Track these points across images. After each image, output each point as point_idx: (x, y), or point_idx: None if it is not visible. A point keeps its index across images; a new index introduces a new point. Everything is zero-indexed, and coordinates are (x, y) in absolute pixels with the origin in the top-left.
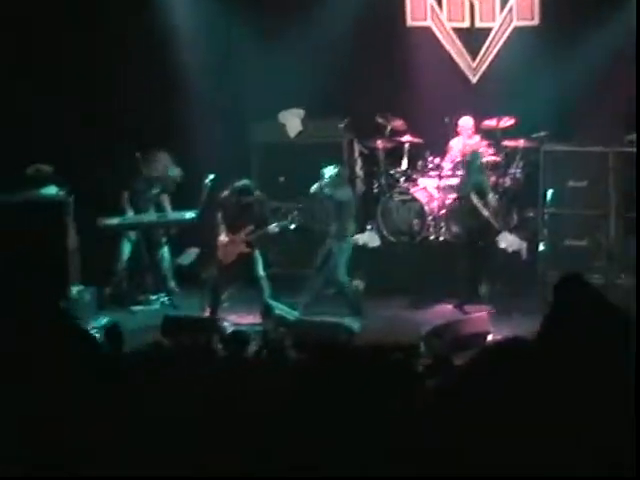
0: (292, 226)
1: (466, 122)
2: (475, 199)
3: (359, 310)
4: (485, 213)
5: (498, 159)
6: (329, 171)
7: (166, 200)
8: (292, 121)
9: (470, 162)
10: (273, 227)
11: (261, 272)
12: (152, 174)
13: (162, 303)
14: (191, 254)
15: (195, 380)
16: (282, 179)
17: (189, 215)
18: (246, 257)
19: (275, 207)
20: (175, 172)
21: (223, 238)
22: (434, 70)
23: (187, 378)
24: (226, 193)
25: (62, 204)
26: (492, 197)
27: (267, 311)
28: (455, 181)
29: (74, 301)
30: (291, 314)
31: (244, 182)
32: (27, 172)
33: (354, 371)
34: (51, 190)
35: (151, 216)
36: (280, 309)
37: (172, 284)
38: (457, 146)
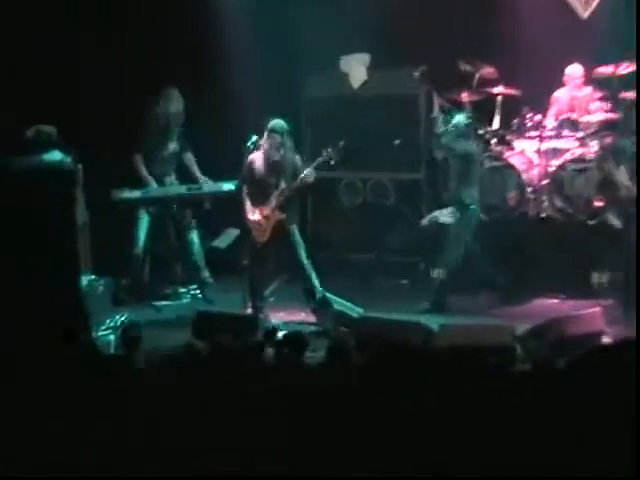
0: (332, 162)
1: (574, 70)
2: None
3: (441, 305)
4: (625, 183)
5: (615, 116)
6: (457, 117)
7: (192, 162)
8: (356, 69)
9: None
10: (307, 172)
11: (304, 256)
12: (168, 110)
13: (193, 296)
14: (230, 235)
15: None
16: (341, 142)
17: (227, 186)
18: (282, 228)
19: (339, 179)
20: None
21: (253, 213)
22: (534, 4)
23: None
24: (253, 154)
25: (69, 173)
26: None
27: (323, 306)
28: (560, 143)
29: (84, 294)
30: (354, 310)
31: (274, 123)
32: (27, 134)
33: (436, 380)
34: (55, 156)
35: (179, 188)
36: (340, 304)
37: (205, 273)
38: (563, 99)
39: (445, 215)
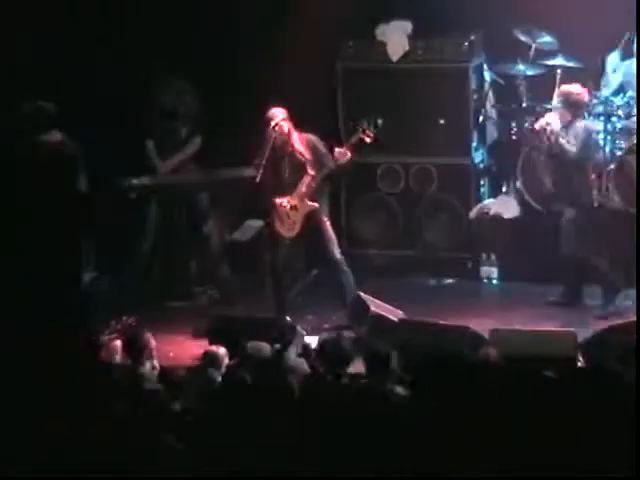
0: (368, 140)
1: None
2: None
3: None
4: None
5: None
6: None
7: (193, 146)
8: (395, 38)
9: None
10: (339, 152)
11: (337, 252)
12: (175, 95)
13: (210, 297)
14: (252, 227)
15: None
16: (380, 121)
17: (249, 172)
18: (314, 219)
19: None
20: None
21: (279, 205)
22: None
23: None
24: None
25: (70, 157)
26: None
27: (358, 309)
28: (630, 122)
29: (85, 292)
30: (393, 313)
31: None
32: (23, 110)
33: (488, 395)
34: (55, 136)
35: (195, 174)
36: (377, 305)
37: (224, 270)
38: (628, 71)
39: (499, 206)
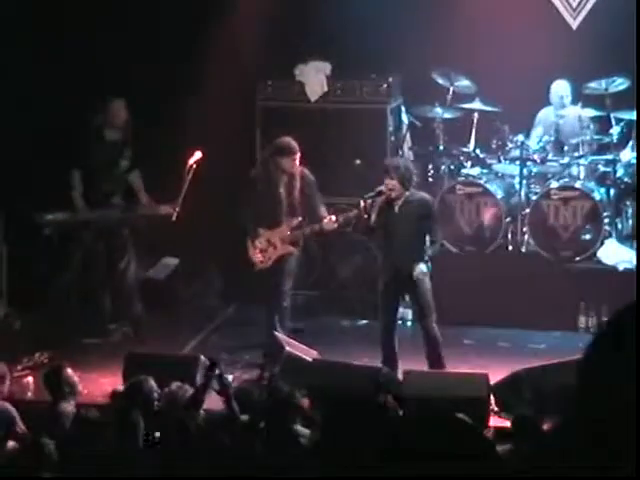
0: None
1: (561, 87)
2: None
3: None
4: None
5: (606, 139)
6: None
7: (138, 182)
8: (314, 78)
9: None
10: (329, 222)
11: (289, 286)
12: (113, 122)
13: (124, 334)
14: (168, 265)
15: None
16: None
17: (166, 210)
18: (284, 260)
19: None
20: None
21: (259, 239)
22: (517, 11)
23: None
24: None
25: None
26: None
27: (272, 348)
28: (545, 167)
29: None
30: (307, 353)
31: (284, 141)
32: None
33: (396, 440)
34: None
35: (112, 211)
36: (291, 344)
37: (138, 307)
38: (547, 118)
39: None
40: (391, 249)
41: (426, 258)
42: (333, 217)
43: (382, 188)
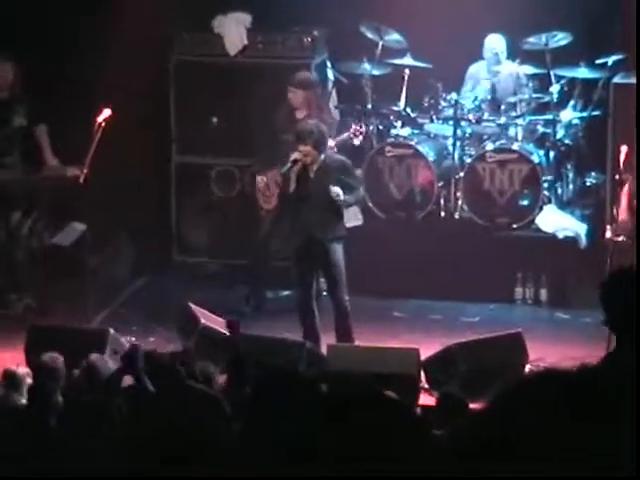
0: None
1: (495, 41)
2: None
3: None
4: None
5: (546, 97)
6: None
7: (44, 136)
8: (233, 31)
9: None
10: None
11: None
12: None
13: (26, 306)
14: (74, 230)
15: None
16: (215, 120)
17: (72, 171)
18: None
19: (211, 165)
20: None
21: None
22: None
23: None
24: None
25: None
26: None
27: (187, 321)
28: (480, 127)
29: None
30: (224, 326)
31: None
32: None
33: (322, 418)
34: None
35: (13, 171)
36: (207, 316)
37: (41, 277)
38: (481, 75)
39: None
40: (304, 215)
41: (343, 227)
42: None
43: (296, 156)
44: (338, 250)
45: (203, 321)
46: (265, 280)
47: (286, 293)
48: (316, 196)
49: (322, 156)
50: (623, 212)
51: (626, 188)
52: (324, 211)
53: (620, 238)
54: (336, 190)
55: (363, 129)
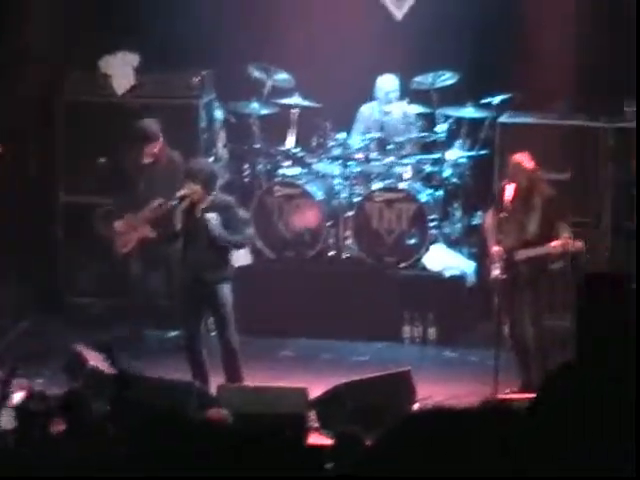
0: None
1: (387, 81)
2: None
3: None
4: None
5: (433, 137)
6: None
7: None
8: (121, 71)
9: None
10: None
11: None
12: None
13: None
14: None
15: None
16: (102, 160)
17: None
18: None
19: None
20: None
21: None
22: (339, 1)
23: None
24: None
25: None
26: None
27: (74, 362)
28: (368, 166)
29: None
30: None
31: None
32: None
33: (214, 456)
34: None
35: None
36: (94, 357)
37: None
38: (372, 115)
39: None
40: (191, 255)
41: (230, 258)
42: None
43: (184, 192)
44: (226, 290)
45: (91, 362)
46: (142, 320)
47: (174, 333)
48: (203, 236)
49: (211, 197)
50: (492, 245)
51: (488, 220)
52: (211, 251)
53: (504, 276)
54: (213, 222)
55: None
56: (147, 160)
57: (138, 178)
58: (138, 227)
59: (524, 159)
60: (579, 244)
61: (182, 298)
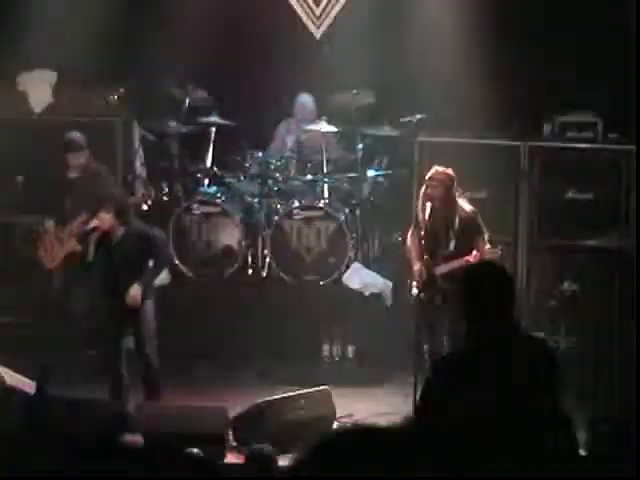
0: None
1: (305, 100)
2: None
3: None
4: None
5: (351, 156)
6: None
7: None
8: (38, 89)
9: None
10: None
11: None
12: None
13: None
14: None
15: None
16: (20, 178)
17: None
18: None
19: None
20: None
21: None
22: (256, 20)
23: None
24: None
25: None
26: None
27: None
28: (287, 185)
29: None
30: (28, 386)
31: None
32: None
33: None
34: None
35: None
36: (10, 376)
37: None
38: (290, 134)
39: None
40: (109, 282)
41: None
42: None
43: (95, 223)
44: (148, 308)
45: (8, 380)
46: (63, 339)
47: (92, 352)
48: (120, 265)
49: (124, 226)
50: (413, 263)
51: (409, 239)
52: (130, 277)
53: (422, 294)
54: (134, 290)
55: (151, 194)
56: (73, 174)
57: (64, 193)
58: (65, 242)
59: (439, 175)
60: (497, 252)
61: (102, 316)
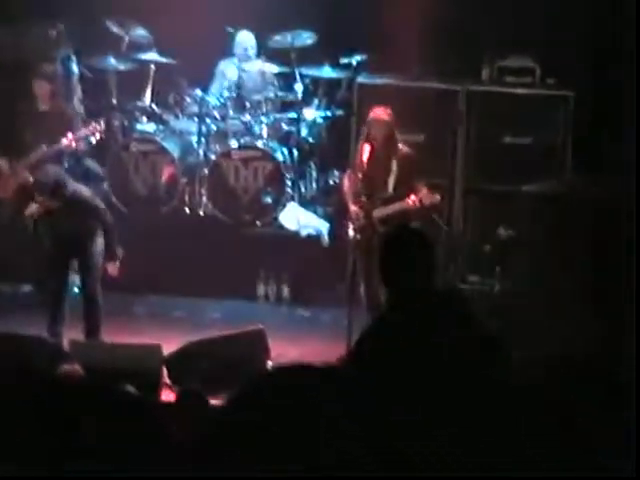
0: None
1: (244, 38)
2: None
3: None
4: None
5: (290, 96)
6: None
7: None
8: None
9: None
10: None
11: None
12: None
13: None
14: None
15: None
16: None
17: None
18: None
19: None
20: None
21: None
22: None
23: None
24: None
25: None
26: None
27: None
28: (226, 124)
29: None
30: None
31: None
32: None
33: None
34: None
35: None
36: None
37: None
38: (229, 72)
39: None
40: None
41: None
42: None
43: (32, 209)
44: (97, 240)
45: None
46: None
47: (27, 288)
48: (67, 233)
49: (61, 203)
50: (350, 205)
51: (346, 181)
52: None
53: (358, 236)
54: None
55: (101, 127)
56: (43, 107)
57: (26, 127)
58: (19, 172)
59: (381, 115)
60: (436, 197)
61: (49, 254)
